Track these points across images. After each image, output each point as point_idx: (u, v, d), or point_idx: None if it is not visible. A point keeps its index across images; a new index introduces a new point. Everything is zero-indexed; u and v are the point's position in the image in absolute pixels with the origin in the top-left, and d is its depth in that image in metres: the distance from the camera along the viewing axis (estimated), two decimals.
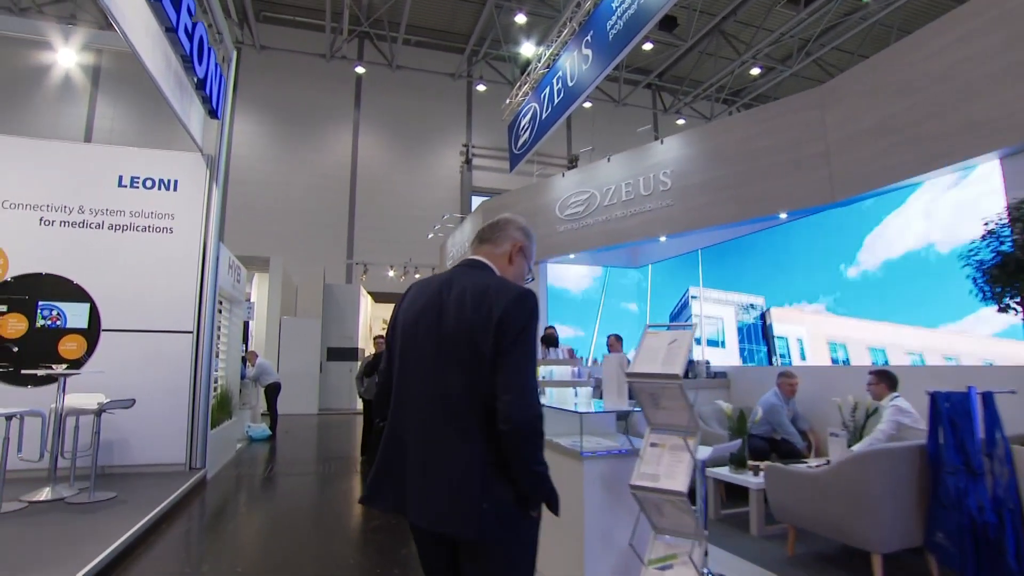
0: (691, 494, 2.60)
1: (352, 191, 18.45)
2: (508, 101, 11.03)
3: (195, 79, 5.66)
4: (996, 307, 3.69)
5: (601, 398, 3.69)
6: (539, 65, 9.14)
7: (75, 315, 6.04)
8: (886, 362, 5.76)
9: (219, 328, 7.70)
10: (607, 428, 3.52)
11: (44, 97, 15.96)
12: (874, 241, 5.75)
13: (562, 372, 4.31)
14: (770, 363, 6.73)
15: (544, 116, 8.89)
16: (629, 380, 2.73)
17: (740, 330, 7.12)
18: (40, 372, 5.37)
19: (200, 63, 5.49)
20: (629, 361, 2.83)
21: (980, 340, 5.07)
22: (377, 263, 16.92)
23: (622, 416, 3.40)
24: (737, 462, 4.85)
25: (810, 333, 6.36)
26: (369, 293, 17.06)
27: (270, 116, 18.05)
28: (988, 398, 3.22)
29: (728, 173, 6.04)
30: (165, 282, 6.29)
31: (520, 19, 16.02)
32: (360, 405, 14.01)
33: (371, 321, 17.59)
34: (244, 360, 10.10)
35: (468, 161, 19.81)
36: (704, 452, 3.25)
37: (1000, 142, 4.17)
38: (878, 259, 5.75)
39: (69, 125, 16.00)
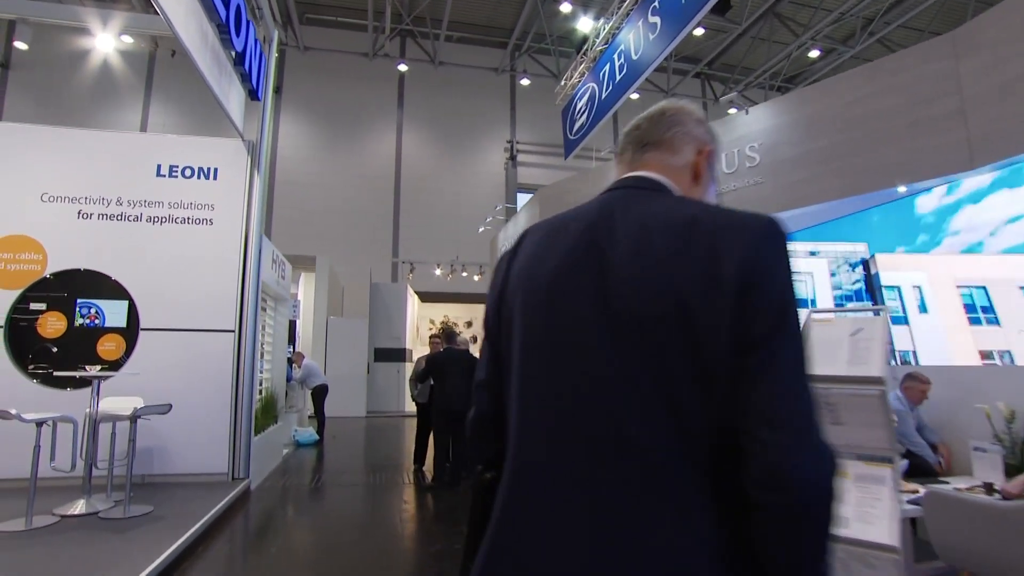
0: None
1: (397, 189, 18.05)
2: (563, 83, 10.29)
3: (233, 53, 5.15)
4: None
5: None
6: (597, 42, 8.38)
7: (113, 313, 5.60)
8: None
9: (263, 327, 7.22)
10: None
11: (95, 97, 16.02)
12: None
13: None
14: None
15: (604, 96, 8.13)
16: None
17: (837, 287, 6.08)
18: (76, 374, 4.94)
19: (238, 35, 4.97)
20: None
21: None
22: (423, 261, 16.42)
23: None
24: None
25: (932, 279, 5.27)
26: (416, 292, 16.57)
27: (315, 116, 17.81)
28: None
29: (831, 143, 5.17)
30: (205, 278, 5.80)
31: (565, 7, 15.33)
32: (410, 407, 13.58)
33: (418, 321, 17.10)
34: (290, 361, 9.66)
35: (512, 157, 19.16)
36: None
37: None
38: None
39: (122, 125, 16.04)
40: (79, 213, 5.66)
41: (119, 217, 5.73)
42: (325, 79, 17.86)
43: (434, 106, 18.62)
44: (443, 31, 17.36)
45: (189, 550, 3.96)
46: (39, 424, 4.20)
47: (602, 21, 8.44)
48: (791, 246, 0.81)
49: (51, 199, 5.64)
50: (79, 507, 4.46)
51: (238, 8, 4.92)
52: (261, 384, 7.45)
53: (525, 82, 18.56)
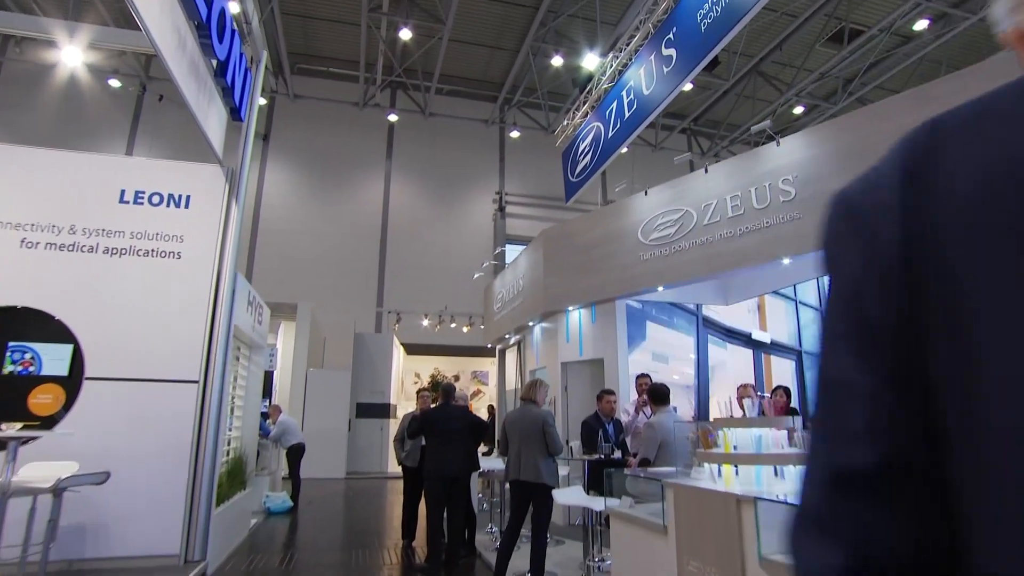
0: None
1: (383, 238, 17.39)
2: (565, 123, 9.86)
3: (215, 62, 4.48)
4: None
5: None
6: (603, 80, 7.97)
7: (53, 359, 4.65)
8: None
9: (234, 378, 6.30)
10: None
11: (83, 133, 15.29)
12: None
13: (749, 439, 2.54)
14: None
15: (611, 135, 7.65)
16: None
17: None
18: None
19: (221, 41, 4.31)
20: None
21: None
22: (410, 311, 15.57)
23: None
24: None
25: None
26: (402, 344, 15.63)
27: (302, 164, 17.29)
28: None
29: None
30: (168, 319, 4.92)
31: (556, 61, 15.26)
32: (394, 467, 12.40)
33: (403, 374, 16.08)
34: (265, 416, 8.63)
35: (501, 208, 18.73)
36: None
37: None
38: None
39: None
40: (23, 241, 4.79)
41: (71, 247, 4.87)
42: (314, 127, 17.46)
43: (423, 156, 18.26)
44: (434, 83, 17.18)
45: None
46: None
47: (611, 56, 8.05)
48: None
49: None
50: None
51: (221, 11, 4.28)
52: (229, 444, 6.45)
53: (515, 134, 18.38)
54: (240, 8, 5.65)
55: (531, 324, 8.21)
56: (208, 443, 4.81)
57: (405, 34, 14.21)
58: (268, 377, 12.46)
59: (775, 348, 8.90)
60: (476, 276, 13.62)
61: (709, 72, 14.77)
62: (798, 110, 17.69)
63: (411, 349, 16.28)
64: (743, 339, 8.47)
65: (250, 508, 6.94)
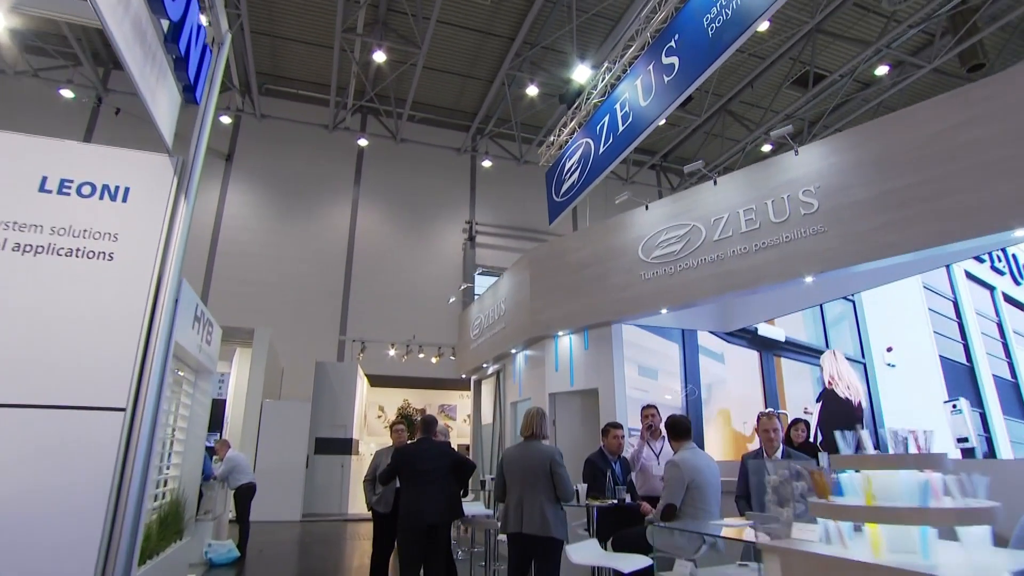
0: None
1: (349, 265, 16.46)
2: (552, 139, 9.31)
3: (166, 25, 3.71)
4: None
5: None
6: (594, 93, 7.50)
7: None
8: None
9: (174, 407, 5.32)
10: None
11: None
12: None
13: (906, 486, 1.78)
14: None
15: (602, 150, 7.14)
16: None
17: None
18: None
19: None
20: None
21: None
22: (376, 340, 14.56)
23: None
24: None
25: None
26: (366, 375, 14.55)
27: (266, 185, 16.34)
28: None
29: (919, 180, 4.15)
30: (91, 332, 3.96)
31: (532, 91, 14.93)
32: (356, 508, 11.19)
33: (366, 408, 14.94)
34: (211, 452, 7.53)
35: (471, 238, 18.10)
36: None
37: None
38: None
39: None
40: None
41: None
42: (280, 148, 16.60)
43: (393, 182, 17.57)
44: (406, 110, 16.62)
45: None
46: None
47: (606, 65, 7.58)
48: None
49: None
50: None
51: None
52: (165, 485, 5.39)
53: (487, 164, 17.92)
54: None
55: (514, 352, 7.45)
56: (133, 485, 3.81)
57: (379, 56, 13.65)
58: (221, 408, 11.25)
59: (791, 350, 7.04)
60: (451, 300, 12.85)
61: (683, 107, 14.72)
62: (766, 148, 17.86)
63: (375, 380, 15.21)
64: (746, 338, 7.16)
65: (187, 561, 5.82)
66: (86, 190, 4.33)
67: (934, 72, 14.76)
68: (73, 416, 3.91)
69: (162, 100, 4.32)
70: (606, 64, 7.64)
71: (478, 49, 15.09)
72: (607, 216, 6.72)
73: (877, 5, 13.14)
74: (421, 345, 14.45)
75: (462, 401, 15.67)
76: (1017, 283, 5.37)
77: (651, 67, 6.30)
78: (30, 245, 4.12)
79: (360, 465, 12.82)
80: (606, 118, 7.25)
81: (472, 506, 5.66)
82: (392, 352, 14.47)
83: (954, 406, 5.28)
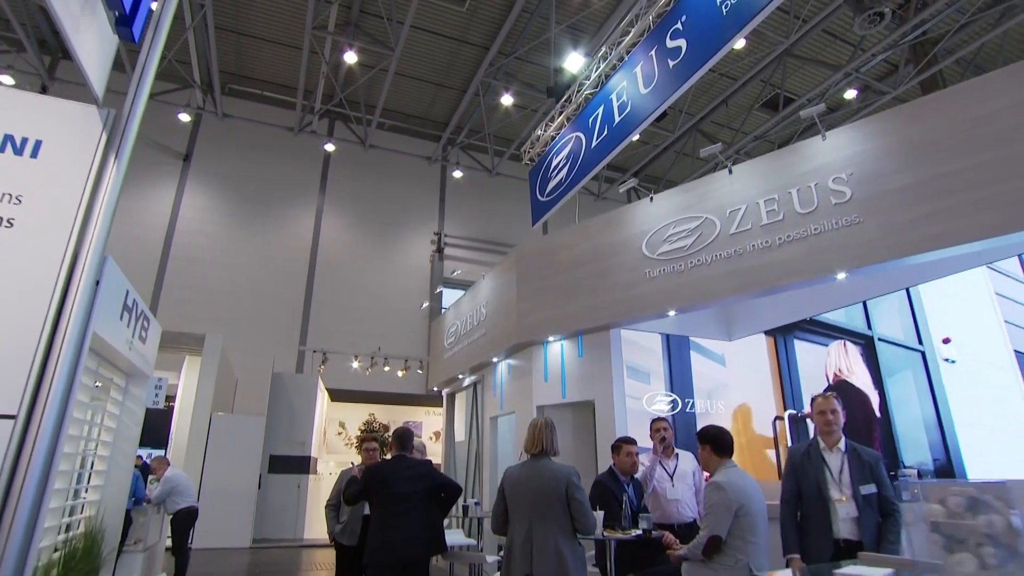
0: None
1: (311, 273, 15.41)
2: (538, 134, 8.67)
3: None
4: None
5: None
6: (587, 84, 6.93)
7: None
8: None
9: (96, 416, 4.30)
10: None
11: None
12: None
13: None
14: None
15: (595, 144, 6.54)
16: None
17: None
18: None
19: None
20: None
21: None
22: (338, 352, 13.50)
23: None
24: None
25: None
26: (327, 388, 13.45)
27: (225, 188, 15.19)
28: None
29: (970, 165, 3.67)
30: None
31: (507, 100, 14.40)
32: (314, 533, 10.05)
33: (326, 424, 13.79)
34: (146, 471, 6.44)
35: (440, 250, 17.30)
36: None
37: None
38: None
39: None
40: None
41: None
42: (242, 150, 15.52)
43: (360, 189, 16.67)
44: (376, 116, 15.83)
45: None
46: None
47: (604, 49, 6.99)
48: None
49: None
50: None
51: None
52: (81, 511, 4.35)
53: (458, 174, 17.24)
54: None
55: (495, 360, 6.67)
56: (19, 515, 2.85)
57: (350, 57, 12.85)
58: (166, 420, 10.03)
59: (814, 330, 5.77)
60: (424, 305, 11.97)
61: (657, 123, 14.43)
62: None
63: (336, 395, 14.10)
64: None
65: None
66: None
67: (897, 100, 14.97)
68: None
69: (88, 34, 3.40)
70: (603, 48, 7.09)
71: (452, 57, 14.50)
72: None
73: (846, 32, 13.21)
74: (387, 357, 13.49)
75: (428, 418, 14.69)
76: None
77: (653, 52, 5.77)
78: None
79: (318, 486, 11.68)
80: (600, 109, 6.68)
81: (452, 535, 4.81)
82: (356, 364, 13.44)
83: None
